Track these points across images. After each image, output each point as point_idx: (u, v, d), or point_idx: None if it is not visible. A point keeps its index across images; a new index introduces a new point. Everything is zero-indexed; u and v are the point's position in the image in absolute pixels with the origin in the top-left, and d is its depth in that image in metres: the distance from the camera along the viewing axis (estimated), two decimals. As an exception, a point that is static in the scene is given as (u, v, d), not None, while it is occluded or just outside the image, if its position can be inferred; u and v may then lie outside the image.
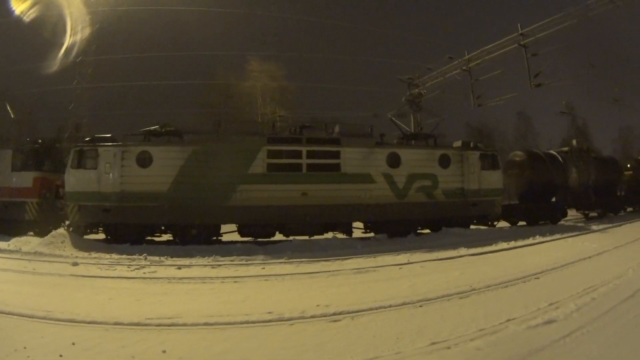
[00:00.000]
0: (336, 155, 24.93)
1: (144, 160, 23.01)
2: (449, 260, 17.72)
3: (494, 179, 28.14)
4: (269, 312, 9.74)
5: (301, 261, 18.00)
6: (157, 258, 18.53)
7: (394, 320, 9.29)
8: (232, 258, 18.63)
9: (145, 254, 19.02)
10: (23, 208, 26.51)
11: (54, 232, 21.85)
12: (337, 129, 26.56)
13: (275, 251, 20.23)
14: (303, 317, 9.47)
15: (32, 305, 10.56)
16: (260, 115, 45.96)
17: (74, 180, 22.95)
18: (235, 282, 14.14)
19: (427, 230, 27.22)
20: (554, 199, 35.16)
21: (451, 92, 43.72)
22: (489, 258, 18.31)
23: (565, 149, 38.85)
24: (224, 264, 17.60)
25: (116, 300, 11.45)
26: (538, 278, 13.26)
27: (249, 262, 18.01)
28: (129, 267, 16.81)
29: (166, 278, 14.66)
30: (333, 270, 15.78)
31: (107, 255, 19.30)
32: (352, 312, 9.80)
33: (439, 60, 41.48)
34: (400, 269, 16.07)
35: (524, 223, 32.23)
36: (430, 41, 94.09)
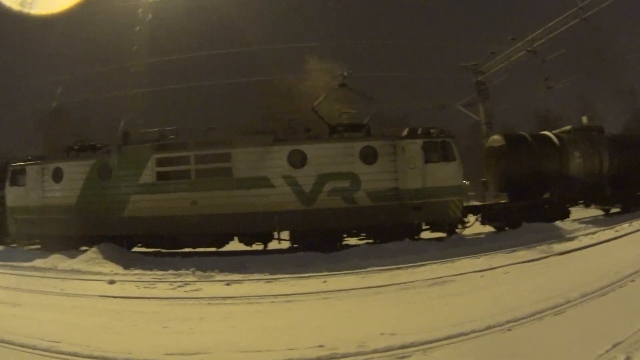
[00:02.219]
0: (227, 158, 22.47)
1: (58, 176, 24.13)
2: (533, 263, 15.57)
3: (446, 173, 22.14)
4: (320, 346, 7.95)
5: (367, 271, 15.93)
6: (206, 273, 16.99)
7: (477, 353, 7.60)
8: (291, 270, 16.79)
9: (193, 269, 17.48)
10: None
11: (95, 248, 21.01)
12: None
13: (341, 259, 18.29)
14: (362, 353, 7.62)
15: (42, 333, 9.49)
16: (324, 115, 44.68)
17: (11, 196, 25.31)
18: (288, 301, 12.47)
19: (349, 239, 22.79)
20: (547, 195, 26.57)
21: (517, 77, 41.34)
22: (576, 257, 16.24)
23: (567, 128, 29.33)
24: (281, 278, 15.76)
25: (140, 328, 10.24)
26: (634, 280, 11.39)
27: (310, 274, 16.18)
28: (171, 285, 15.49)
29: (208, 298, 13.23)
30: (403, 283, 13.70)
31: (150, 271, 17.96)
32: (425, 343, 7.92)
33: (502, 42, 39.16)
34: (481, 277, 14.08)
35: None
36: (490, 23, 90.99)
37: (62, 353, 8.37)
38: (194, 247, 22.85)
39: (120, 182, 23.14)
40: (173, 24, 48.52)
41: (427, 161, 21.92)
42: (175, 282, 15.85)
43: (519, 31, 39.19)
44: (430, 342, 7.93)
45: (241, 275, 16.50)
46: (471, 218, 24.31)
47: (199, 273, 16.97)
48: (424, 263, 16.57)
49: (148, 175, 22.76)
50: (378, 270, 15.94)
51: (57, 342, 8.86)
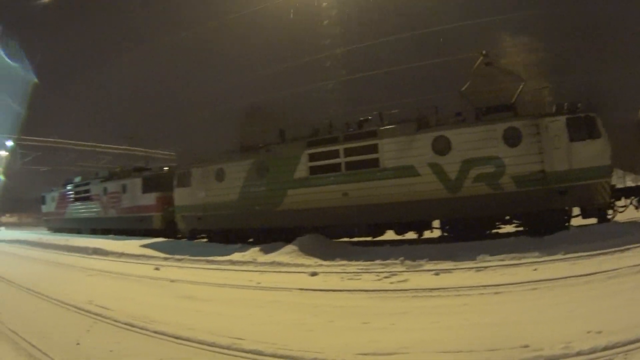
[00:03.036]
0: (374, 149, 22.60)
1: (220, 176, 27.69)
2: None
3: (591, 153, 19.61)
4: (525, 346, 7.28)
5: (578, 257, 14.66)
6: (415, 262, 16.29)
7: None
8: (501, 257, 15.67)
9: (402, 257, 16.74)
10: (151, 220, 35.97)
11: (298, 240, 21.57)
12: None
13: (551, 244, 16.70)
14: (566, 356, 6.93)
15: (227, 330, 9.67)
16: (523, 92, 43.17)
17: (178, 196, 30.38)
18: (496, 293, 11.64)
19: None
20: None
21: None
22: None
23: None
24: (491, 266, 14.84)
25: (336, 325, 9.86)
26: None
27: (520, 261, 15.04)
28: (377, 276, 14.98)
29: (414, 290, 12.63)
30: (609, 270, 12.43)
31: (357, 262, 17.51)
32: (627, 343, 7.14)
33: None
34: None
35: None
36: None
37: (243, 351, 8.26)
38: (350, 237, 24.08)
39: (276, 178, 25.19)
40: (358, 14, 48.66)
41: (571, 140, 19.77)
42: (382, 272, 15.35)
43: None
44: (633, 342, 7.18)
45: (451, 263, 15.72)
46: (624, 201, 21.49)
47: (407, 262, 16.32)
48: (629, 246, 15.16)
49: (302, 170, 24.37)
50: (586, 255, 14.75)
51: (241, 339, 8.80)
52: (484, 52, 24.49)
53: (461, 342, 7.79)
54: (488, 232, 21.23)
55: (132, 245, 28.33)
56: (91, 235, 41.25)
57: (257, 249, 22.02)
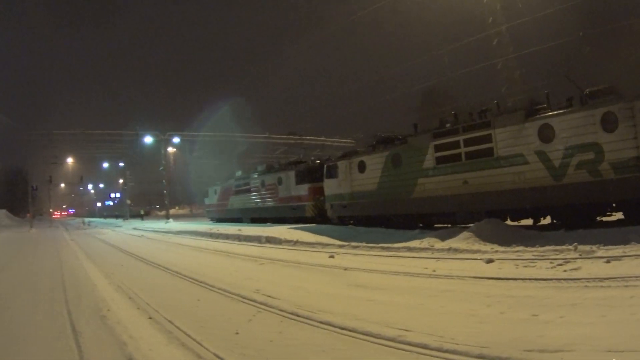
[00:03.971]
0: (488, 139, 23.83)
1: (362, 168, 31.48)
2: None
3: None
4: None
5: None
6: (588, 247, 15.68)
7: None
8: None
9: (575, 243, 16.23)
10: (303, 208, 41.27)
11: (474, 225, 21.76)
12: None
13: None
14: None
15: (395, 320, 9.75)
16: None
17: (327, 186, 35.09)
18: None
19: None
20: None
21: None
22: None
23: None
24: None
25: (507, 316, 9.69)
26: None
27: None
28: (551, 263, 14.58)
29: (585, 279, 12.01)
30: None
31: (532, 248, 17.21)
32: None
33: None
34: None
35: None
36: None
37: (408, 344, 8.19)
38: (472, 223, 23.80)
39: (409, 168, 27.89)
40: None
41: None
42: (556, 259, 14.95)
43: None
44: None
45: (622, 249, 15.07)
46: None
47: (581, 248, 15.84)
48: None
49: (429, 160, 26.68)
50: None
51: (408, 330, 8.78)
52: (581, 33, 25.97)
53: (626, 340, 7.49)
54: (592, 220, 21.19)
55: (305, 233, 29.93)
56: (251, 224, 47.24)
57: (434, 234, 22.55)
